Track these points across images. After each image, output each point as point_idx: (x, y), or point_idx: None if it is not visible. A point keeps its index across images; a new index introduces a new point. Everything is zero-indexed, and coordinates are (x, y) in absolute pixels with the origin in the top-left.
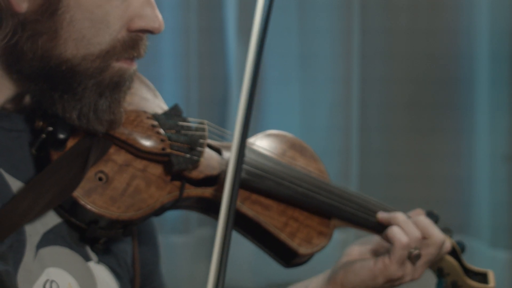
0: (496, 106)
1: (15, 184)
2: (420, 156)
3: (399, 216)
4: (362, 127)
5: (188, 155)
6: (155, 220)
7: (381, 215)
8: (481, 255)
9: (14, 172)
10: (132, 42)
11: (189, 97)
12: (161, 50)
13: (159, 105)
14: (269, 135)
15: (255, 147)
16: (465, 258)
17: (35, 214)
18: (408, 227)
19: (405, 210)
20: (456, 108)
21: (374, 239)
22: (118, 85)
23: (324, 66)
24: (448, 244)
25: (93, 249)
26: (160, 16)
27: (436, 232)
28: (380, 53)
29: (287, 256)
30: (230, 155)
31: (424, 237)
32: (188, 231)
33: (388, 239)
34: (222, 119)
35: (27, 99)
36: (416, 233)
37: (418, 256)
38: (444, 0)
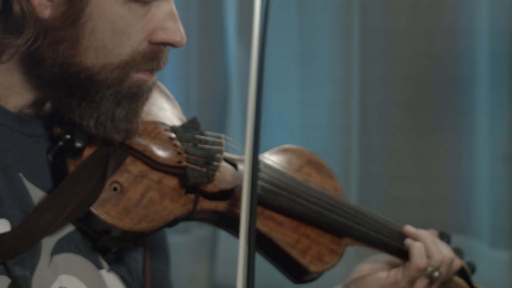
0: (496, 106)
1: (33, 190)
2: (420, 156)
3: (426, 235)
4: (362, 127)
5: (204, 169)
6: None
7: (408, 229)
8: (481, 255)
9: (32, 178)
10: (153, 54)
11: (189, 97)
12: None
13: (177, 116)
14: (286, 150)
15: (270, 162)
16: (465, 258)
17: (57, 227)
18: (433, 248)
19: (405, 210)
20: (456, 108)
21: (385, 257)
22: (136, 96)
23: (324, 66)
24: (457, 263)
25: (104, 258)
26: (182, 29)
27: (446, 253)
28: (380, 53)
29: (298, 273)
30: (244, 172)
31: (428, 256)
32: (188, 231)
33: (408, 253)
34: (222, 119)
35: (47, 105)
36: (439, 256)
37: (438, 278)
38: (444, 0)
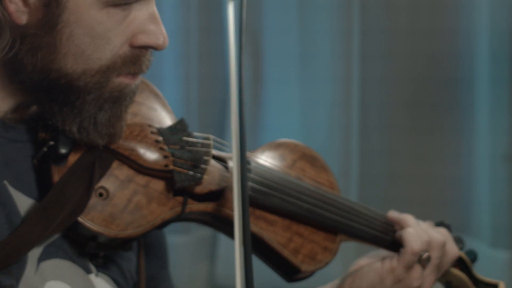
0: (496, 106)
1: (18, 197)
2: (420, 156)
3: (410, 219)
4: (362, 127)
5: (191, 172)
6: None
7: (392, 214)
8: (481, 255)
9: (17, 184)
10: (134, 58)
11: (189, 97)
12: (160, 51)
13: (166, 116)
14: (280, 145)
15: (261, 161)
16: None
17: (45, 238)
18: (418, 230)
19: (405, 210)
20: (456, 108)
21: (383, 253)
22: (119, 100)
23: (324, 66)
24: (455, 250)
25: (92, 262)
26: (164, 32)
27: (435, 234)
28: (380, 53)
29: (290, 272)
30: (232, 175)
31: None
32: (188, 231)
33: (399, 240)
34: (222, 119)
35: (32, 109)
36: (426, 237)
37: (428, 259)
38: (444, 0)
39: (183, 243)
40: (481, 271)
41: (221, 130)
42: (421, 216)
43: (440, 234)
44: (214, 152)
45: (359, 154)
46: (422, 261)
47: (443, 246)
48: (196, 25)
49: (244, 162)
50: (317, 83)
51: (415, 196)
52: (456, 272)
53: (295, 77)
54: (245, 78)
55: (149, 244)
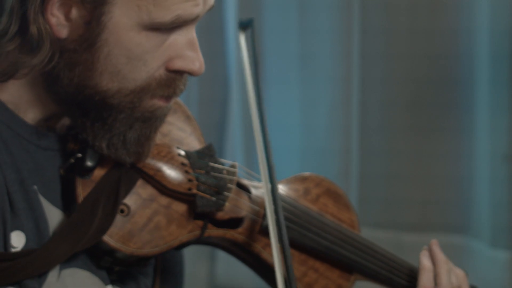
0: (496, 106)
1: (45, 204)
2: (420, 156)
3: (444, 263)
4: (362, 127)
5: (214, 198)
6: None
7: (434, 244)
8: (481, 255)
9: (45, 192)
10: (169, 81)
11: (189, 97)
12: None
13: (196, 139)
14: (306, 178)
15: (284, 193)
16: (464, 258)
17: (71, 254)
18: (445, 279)
19: (405, 210)
20: (456, 108)
21: None
22: (149, 120)
23: (324, 66)
24: None
25: (108, 275)
26: (201, 58)
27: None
28: (380, 53)
29: None
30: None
31: (437, 283)
32: None
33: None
34: (222, 119)
35: (65, 119)
36: (449, 285)
37: None
38: (444, 0)
39: None
40: (481, 271)
41: (221, 130)
42: (421, 216)
43: (459, 279)
44: (239, 179)
45: (359, 154)
46: None
47: None
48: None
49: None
50: (317, 83)
51: (415, 196)
52: None
53: (295, 77)
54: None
55: (167, 261)
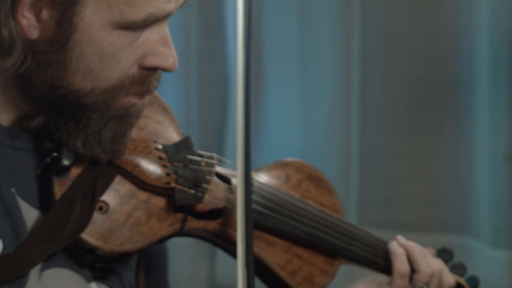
0: (496, 106)
1: (23, 207)
2: (420, 156)
3: (414, 246)
4: (362, 127)
5: (192, 191)
6: None
7: (399, 238)
8: (481, 255)
9: (22, 193)
10: (142, 78)
11: (189, 97)
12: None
13: (173, 131)
14: (287, 164)
15: (264, 181)
16: (464, 258)
17: (48, 254)
18: (419, 258)
19: (405, 210)
20: (456, 108)
21: (381, 277)
22: (124, 118)
23: (324, 66)
24: (450, 280)
25: (91, 273)
26: (175, 54)
27: (432, 262)
28: (380, 53)
29: None
30: (236, 196)
31: (415, 269)
32: None
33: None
34: (222, 119)
35: (38, 119)
36: (428, 268)
37: None
38: (444, 0)
39: (183, 243)
40: (481, 271)
41: (221, 130)
42: (421, 216)
43: (436, 263)
44: (218, 169)
45: (359, 154)
46: None
47: (439, 274)
48: (196, 25)
49: (249, 185)
50: (317, 83)
51: (415, 196)
52: None
53: (295, 77)
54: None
55: (149, 253)
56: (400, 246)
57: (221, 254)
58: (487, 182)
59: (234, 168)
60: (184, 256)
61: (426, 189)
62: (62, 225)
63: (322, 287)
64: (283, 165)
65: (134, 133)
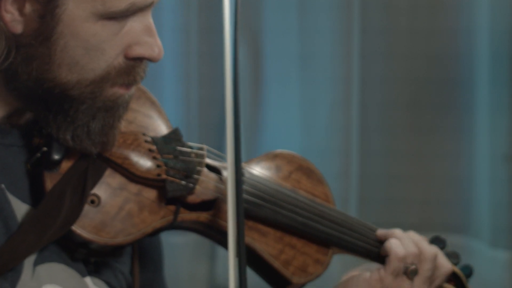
0: (496, 106)
1: (14, 202)
2: (420, 156)
3: (397, 231)
4: (362, 127)
5: (183, 182)
6: None
7: (380, 232)
8: (481, 255)
9: (13, 190)
10: (128, 69)
11: (189, 97)
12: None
13: (162, 124)
14: (277, 156)
15: (256, 171)
16: (464, 258)
17: (38, 247)
18: (405, 241)
19: (405, 210)
20: (456, 108)
21: (376, 266)
22: (112, 109)
23: (324, 66)
24: (447, 264)
25: (86, 267)
26: (160, 43)
27: (426, 247)
28: (380, 53)
29: (281, 284)
30: (227, 186)
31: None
32: (188, 231)
33: (385, 252)
34: (222, 119)
35: (27, 115)
36: (413, 248)
37: (414, 272)
38: (444, 0)
39: (183, 243)
40: (481, 271)
41: (221, 130)
42: (421, 216)
43: (431, 247)
44: (209, 161)
45: (359, 154)
46: (409, 273)
47: (433, 258)
48: (196, 25)
49: (239, 175)
50: (317, 83)
51: (415, 196)
52: (450, 287)
53: (295, 77)
54: (241, 81)
55: (144, 247)
56: (386, 236)
57: (221, 254)
58: (487, 182)
59: (223, 158)
60: (184, 256)
61: (426, 189)
62: (53, 217)
63: (316, 277)
64: (274, 156)
65: (123, 126)
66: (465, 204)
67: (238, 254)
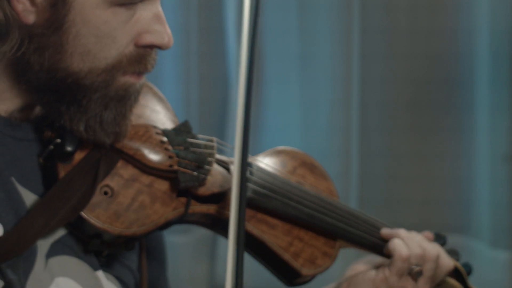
0: (496, 106)
1: (25, 194)
2: (420, 156)
3: (401, 231)
4: (362, 127)
5: (195, 173)
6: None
7: (384, 231)
8: (481, 255)
9: (25, 182)
10: (139, 57)
11: (189, 97)
12: (161, 50)
13: (170, 118)
14: (280, 152)
15: (263, 165)
16: (464, 258)
17: (48, 231)
18: (409, 241)
19: (405, 210)
20: (456, 108)
21: (380, 259)
22: (124, 98)
23: (324, 66)
24: (447, 262)
25: (98, 260)
26: (169, 31)
27: (429, 247)
28: (380, 53)
29: (290, 276)
30: (233, 174)
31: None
32: (188, 231)
33: (389, 252)
34: (222, 119)
35: (38, 109)
36: (418, 249)
37: (419, 273)
38: (444, 0)
39: (183, 243)
40: (481, 271)
41: (222, 130)
42: (421, 216)
43: (433, 247)
44: (217, 156)
45: (359, 154)
46: (414, 275)
47: (436, 258)
48: (196, 25)
49: (245, 162)
50: (317, 83)
51: (415, 196)
52: (452, 282)
53: (295, 77)
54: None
55: (150, 248)
56: (391, 235)
57: (221, 254)
58: (487, 182)
59: (233, 151)
60: (184, 256)
61: (426, 189)
62: (62, 202)
63: (325, 269)
64: (278, 152)
65: (133, 120)
66: (465, 204)
67: (237, 241)
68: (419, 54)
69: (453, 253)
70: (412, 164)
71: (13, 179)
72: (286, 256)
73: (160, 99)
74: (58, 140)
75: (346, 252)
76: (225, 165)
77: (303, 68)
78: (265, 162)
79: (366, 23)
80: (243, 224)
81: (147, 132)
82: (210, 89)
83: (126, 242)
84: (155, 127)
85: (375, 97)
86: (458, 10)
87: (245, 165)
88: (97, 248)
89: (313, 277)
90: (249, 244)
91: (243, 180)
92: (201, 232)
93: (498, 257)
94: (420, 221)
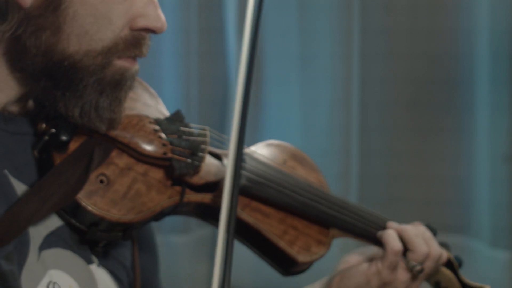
0: (496, 106)
1: (19, 187)
2: (420, 156)
3: (409, 228)
4: (362, 127)
5: (189, 160)
6: (154, 224)
7: (391, 225)
8: (481, 255)
9: (18, 175)
10: (135, 41)
11: (189, 97)
12: (161, 50)
13: (161, 112)
14: (270, 145)
15: (256, 155)
16: (464, 258)
17: (40, 217)
18: (417, 240)
19: (405, 210)
20: (456, 108)
21: (373, 249)
22: (119, 84)
23: (324, 66)
24: (444, 255)
25: (93, 252)
26: (162, 16)
27: (434, 247)
28: (380, 53)
29: (286, 264)
30: (228, 162)
31: (410, 249)
32: (188, 231)
33: (381, 242)
34: (222, 119)
35: (31, 102)
36: (425, 248)
37: (420, 271)
38: (444, 0)
39: (183, 243)
40: (481, 271)
41: (221, 130)
42: (421, 216)
43: (438, 248)
44: (210, 148)
45: (359, 154)
46: (415, 273)
47: (438, 259)
48: (196, 25)
49: (240, 150)
50: (317, 83)
51: (415, 196)
52: (446, 272)
53: (295, 77)
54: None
55: (141, 246)
56: (397, 231)
57: None
58: (487, 182)
59: (225, 140)
60: (184, 256)
61: (426, 189)
62: (54, 187)
63: (320, 257)
64: (267, 145)
65: (125, 113)
66: (465, 204)
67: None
68: (419, 54)
69: (444, 245)
70: (412, 164)
71: (6, 171)
72: (282, 244)
73: (150, 94)
74: (53, 130)
75: (343, 245)
76: (218, 156)
77: (303, 68)
78: (258, 153)
79: (366, 23)
80: (235, 210)
81: (140, 122)
82: (210, 89)
83: (124, 230)
84: (148, 116)
85: (375, 97)
86: (458, 10)
87: (240, 152)
88: (95, 238)
89: (308, 265)
90: (244, 233)
91: (238, 167)
92: (201, 232)
93: (498, 257)
94: (420, 221)
